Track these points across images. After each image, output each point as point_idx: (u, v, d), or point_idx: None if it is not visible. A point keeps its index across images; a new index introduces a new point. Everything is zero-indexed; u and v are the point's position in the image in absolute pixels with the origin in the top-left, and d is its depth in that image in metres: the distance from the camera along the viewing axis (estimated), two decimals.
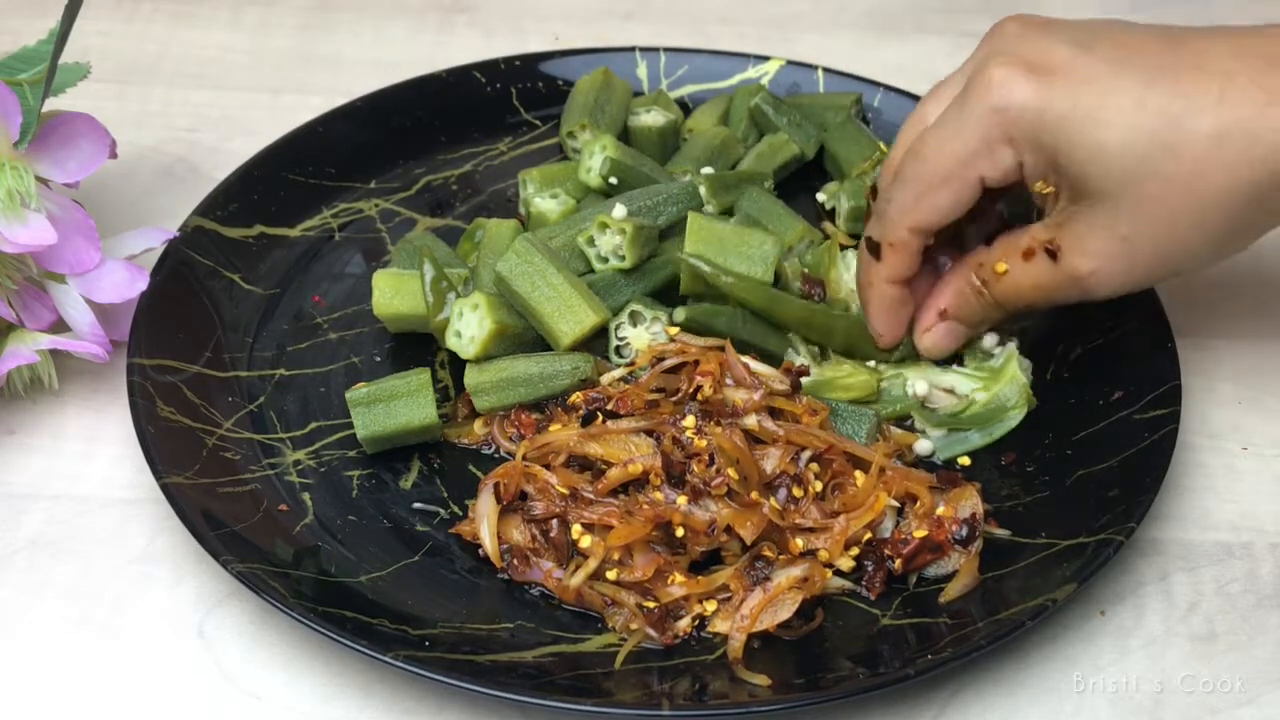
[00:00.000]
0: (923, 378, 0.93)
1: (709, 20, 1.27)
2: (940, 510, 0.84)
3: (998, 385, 0.92)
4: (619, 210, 0.97)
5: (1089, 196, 0.83)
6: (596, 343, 0.93)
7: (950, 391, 0.93)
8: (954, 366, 0.94)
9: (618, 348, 0.94)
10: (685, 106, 1.13)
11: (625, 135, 1.08)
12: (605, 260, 0.96)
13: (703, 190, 1.02)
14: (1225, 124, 0.80)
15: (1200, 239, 0.83)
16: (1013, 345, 0.93)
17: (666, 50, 1.14)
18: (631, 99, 1.10)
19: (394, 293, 0.95)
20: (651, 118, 1.08)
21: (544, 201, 1.02)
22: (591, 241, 0.97)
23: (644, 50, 1.14)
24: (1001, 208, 0.92)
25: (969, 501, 0.85)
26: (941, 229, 0.89)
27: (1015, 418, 0.91)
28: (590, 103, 1.08)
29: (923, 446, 0.90)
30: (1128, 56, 0.82)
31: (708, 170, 1.05)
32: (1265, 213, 0.83)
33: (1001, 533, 0.85)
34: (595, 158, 1.03)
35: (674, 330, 0.92)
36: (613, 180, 1.02)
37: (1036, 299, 0.88)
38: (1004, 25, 0.87)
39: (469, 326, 0.92)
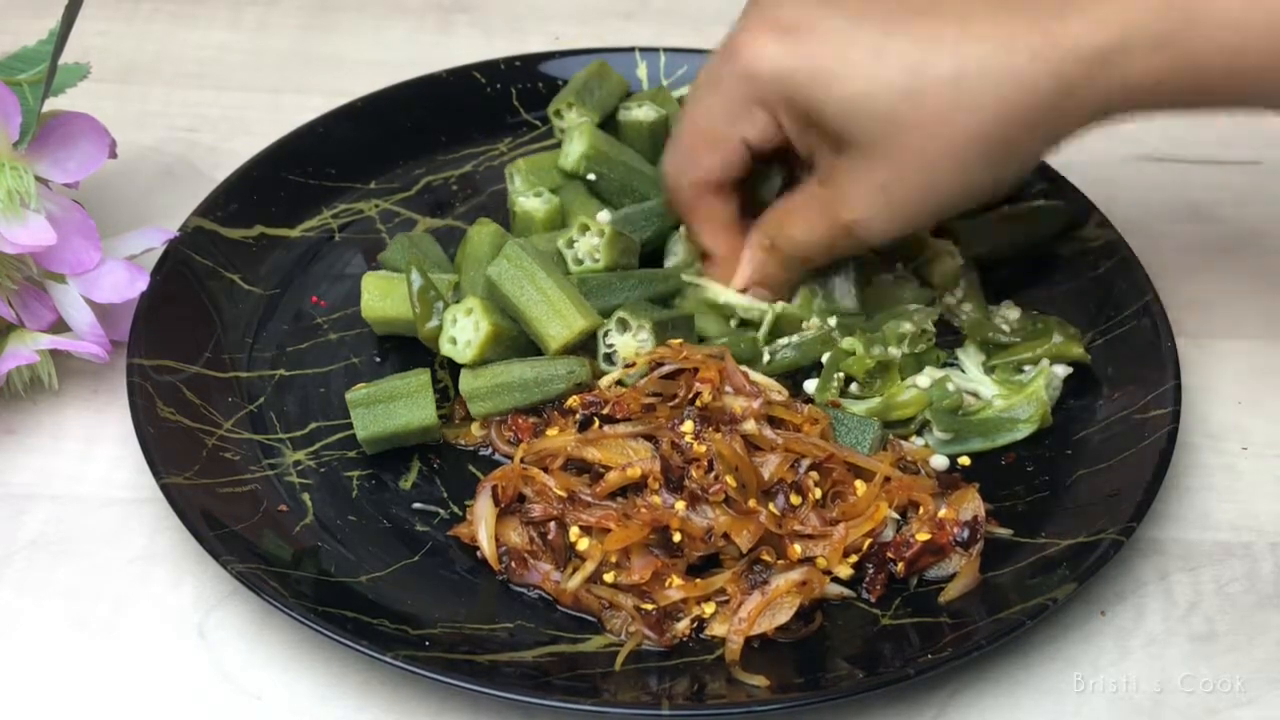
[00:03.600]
0: (953, 378, 0.93)
1: (709, 20, 1.27)
2: (942, 513, 0.84)
3: (1018, 397, 0.92)
4: (603, 214, 0.98)
5: (847, 148, 0.85)
6: (587, 348, 0.93)
7: (974, 395, 0.93)
8: (985, 375, 0.94)
9: (607, 354, 0.93)
10: None
11: (616, 129, 1.08)
12: (581, 262, 0.97)
13: None
14: (962, 67, 0.81)
15: (956, 181, 0.84)
16: (1045, 363, 0.93)
17: (666, 50, 1.14)
18: (626, 92, 1.10)
19: (383, 295, 0.95)
20: (643, 112, 1.08)
21: (528, 200, 1.02)
22: (571, 243, 0.97)
23: (644, 50, 1.14)
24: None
25: (971, 504, 0.85)
26: (728, 185, 0.92)
27: (1024, 431, 0.91)
28: (580, 85, 1.09)
29: (939, 461, 0.90)
30: (868, 8, 0.84)
31: None
32: (1017, 149, 0.84)
33: (1002, 532, 0.85)
34: (574, 144, 1.03)
35: (676, 341, 0.91)
36: (591, 176, 1.02)
37: (815, 250, 0.91)
38: None
39: (464, 331, 0.91)
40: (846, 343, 0.93)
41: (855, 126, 0.84)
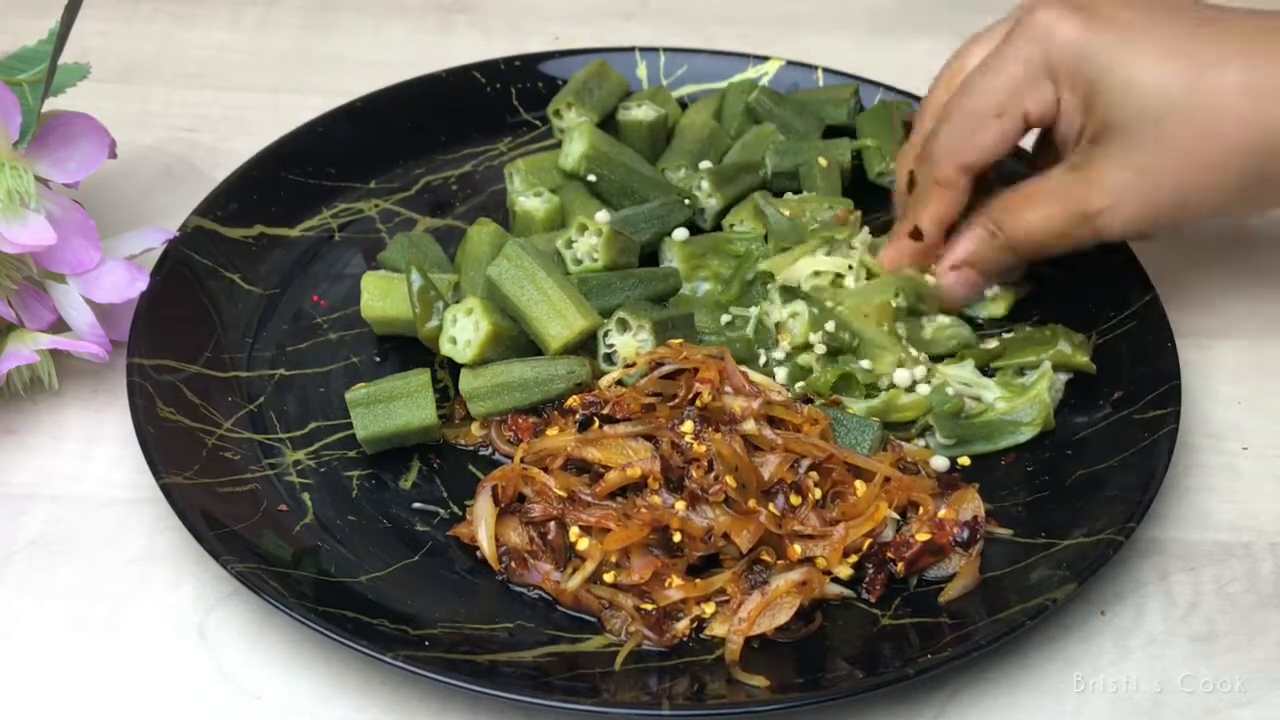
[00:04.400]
0: (955, 382, 0.92)
1: (709, 20, 1.27)
2: (942, 513, 0.84)
3: (1020, 400, 0.91)
4: (601, 214, 0.98)
5: (1112, 132, 0.87)
6: (587, 348, 0.93)
7: (976, 399, 0.92)
8: (987, 378, 0.93)
9: (607, 354, 0.93)
10: (685, 107, 1.13)
11: (615, 128, 1.08)
12: (580, 262, 0.97)
13: (705, 185, 1.03)
14: (1249, 79, 0.85)
15: (1214, 184, 0.87)
16: (1047, 366, 0.93)
17: (666, 50, 1.14)
18: (625, 92, 1.11)
19: (383, 295, 0.95)
20: (642, 112, 1.08)
21: (528, 200, 1.02)
22: (569, 244, 0.97)
23: (644, 50, 1.14)
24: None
25: (970, 504, 0.85)
26: (985, 169, 0.94)
27: (1026, 434, 0.91)
28: (579, 85, 1.09)
29: (939, 463, 0.90)
30: (1166, 11, 0.88)
31: (706, 164, 1.05)
32: (1276, 176, 0.86)
33: (1002, 532, 0.85)
34: (573, 144, 1.03)
35: (677, 342, 0.91)
36: (591, 178, 1.02)
37: (1049, 238, 0.92)
38: None
39: (464, 331, 0.91)
40: (802, 359, 0.93)
41: (1133, 109, 0.86)
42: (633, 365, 0.91)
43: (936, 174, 0.95)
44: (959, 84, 0.94)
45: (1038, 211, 0.91)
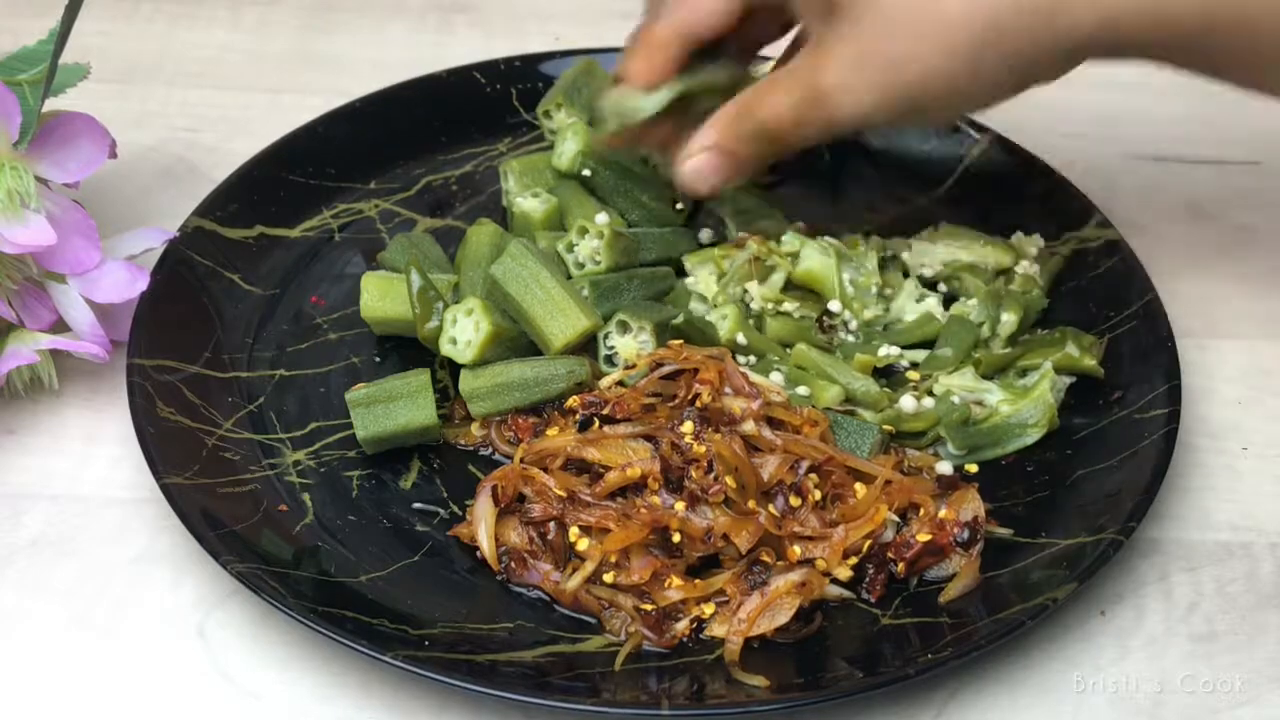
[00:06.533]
0: (958, 390, 0.92)
1: None
2: (942, 513, 0.84)
3: (1024, 401, 0.91)
4: (601, 217, 0.98)
5: (841, 10, 0.85)
6: (587, 350, 0.93)
7: (979, 404, 0.92)
8: (988, 382, 0.93)
9: (608, 356, 0.93)
10: None
11: None
12: (582, 266, 0.97)
13: None
14: None
15: (939, 63, 0.84)
16: (1047, 365, 0.93)
17: None
18: None
19: (382, 295, 0.95)
20: None
21: (526, 201, 1.02)
22: (570, 248, 0.97)
23: None
24: None
25: (970, 504, 0.85)
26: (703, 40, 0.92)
27: (1034, 435, 0.90)
28: (568, 84, 1.09)
29: (944, 467, 0.90)
30: None
31: None
32: (1003, 49, 0.83)
33: (1002, 532, 0.85)
34: (568, 143, 1.03)
35: (677, 343, 0.91)
36: (586, 172, 1.02)
37: (784, 120, 0.89)
38: None
39: (465, 331, 0.91)
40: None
41: None
42: (633, 367, 0.91)
43: (653, 32, 0.93)
44: None
45: (778, 93, 0.89)
